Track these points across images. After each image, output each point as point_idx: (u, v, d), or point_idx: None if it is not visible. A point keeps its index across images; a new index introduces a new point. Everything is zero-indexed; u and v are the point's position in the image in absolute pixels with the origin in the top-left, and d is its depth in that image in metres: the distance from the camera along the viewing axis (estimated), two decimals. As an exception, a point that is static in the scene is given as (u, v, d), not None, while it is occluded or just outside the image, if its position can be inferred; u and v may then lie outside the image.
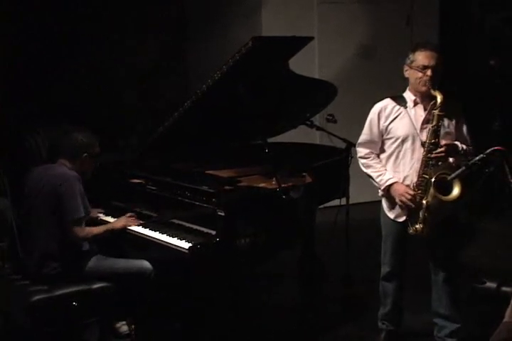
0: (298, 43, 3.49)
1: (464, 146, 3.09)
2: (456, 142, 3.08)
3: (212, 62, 4.99)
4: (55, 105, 5.36)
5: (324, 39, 5.87)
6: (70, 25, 5.61)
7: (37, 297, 2.99)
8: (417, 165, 3.05)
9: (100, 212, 3.54)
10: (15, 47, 5.28)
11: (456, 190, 2.95)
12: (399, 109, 3.11)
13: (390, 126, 3.11)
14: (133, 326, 3.37)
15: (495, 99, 5.88)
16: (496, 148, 2.70)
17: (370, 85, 5.92)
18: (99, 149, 3.32)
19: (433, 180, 2.94)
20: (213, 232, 2.99)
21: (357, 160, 3.28)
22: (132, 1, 6.10)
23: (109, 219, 3.48)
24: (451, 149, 3.02)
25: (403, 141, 3.08)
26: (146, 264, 3.25)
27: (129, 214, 3.36)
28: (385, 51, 6.04)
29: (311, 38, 3.51)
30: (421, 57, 3.02)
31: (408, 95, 3.13)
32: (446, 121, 3.06)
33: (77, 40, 5.63)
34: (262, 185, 3.39)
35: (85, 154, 3.26)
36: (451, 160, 3.06)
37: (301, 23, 5.78)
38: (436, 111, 2.96)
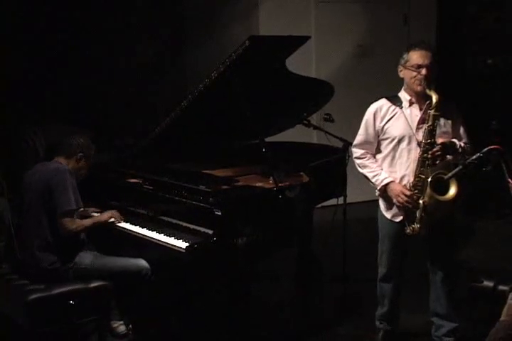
0: (295, 42, 3.49)
1: (462, 143, 3.09)
2: (454, 140, 3.09)
3: (211, 61, 4.99)
4: (53, 105, 5.37)
5: (321, 38, 5.88)
6: (70, 25, 5.62)
7: (34, 296, 3.00)
8: (413, 165, 3.05)
9: (95, 211, 3.56)
10: (14, 47, 5.29)
11: (452, 190, 2.95)
12: (394, 109, 3.11)
13: (385, 127, 3.11)
14: (130, 326, 3.39)
15: (492, 98, 5.89)
16: (492, 147, 2.70)
17: (367, 84, 5.92)
18: (93, 153, 3.40)
19: (430, 179, 2.94)
20: (210, 232, 2.99)
21: (353, 160, 3.28)
22: (131, 0, 6.11)
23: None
24: (448, 147, 3.02)
25: (399, 141, 3.08)
26: (143, 263, 3.26)
27: (114, 211, 3.42)
28: (382, 50, 6.04)
29: (307, 37, 3.52)
30: (415, 57, 3.03)
31: (403, 95, 3.14)
32: (442, 121, 3.06)
33: (77, 39, 5.63)
34: (258, 184, 3.39)
35: (81, 153, 3.34)
36: (449, 157, 3.06)
37: (298, 23, 5.78)
38: (431, 111, 2.96)
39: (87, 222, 3.33)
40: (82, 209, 3.37)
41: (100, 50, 5.75)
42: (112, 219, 3.38)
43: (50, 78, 5.44)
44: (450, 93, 3.16)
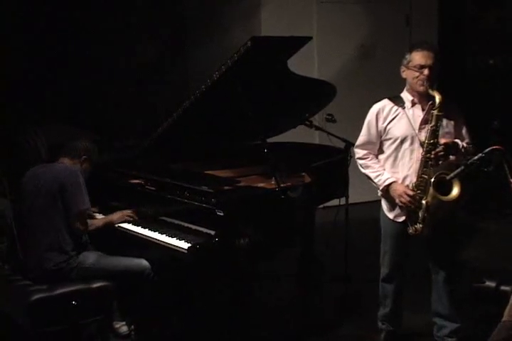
0: (296, 43, 3.49)
1: (465, 144, 3.10)
2: (456, 140, 3.09)
3: (212, 61, 5.00)
4: (53, 105, 5.37)
5: (323, 39, 5.87)
6: (70, 25, 5.61)
7: (36, 296, 3.00)
8: (416, 166, 3.05)
9: (95, 212, 3.56)
10: (14, 47, 5.28)
11: (455, 190, 2.95)
12: (397, 109, 3.11)
13: (388, 127, 3.11)
14: (132, 326, 3.38)
15: (494, 98, 5.89)
16: (495, 147, 2.70)
17: (369, 85, 5.92)
18: (96, 157, 3.44)
19: (432, 180, 2.94)
20: (212, 232, 2.99)
21: (356, 160, 3.28)
22: (131, 0, 6.11)
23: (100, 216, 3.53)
24: (451, 147, 3.02)
25: (402, 142, 3.08)
26: (144, 263, 3.27)
27: (128, 211, 3.43)
28: (384, 51, 6.04)
29: (309, 38, 3.51)
30: (418, 57, 3.03)
31: (406, 96, 3.14)
32: (444, 121, 3.06)
33: (77, 39, 5.63)
34: (260, 185, 3.39)
35: (85, 156, 3.37)
36: (452, 158, 3.05)
37: (300, 23, 5.78)
38: (435, 112, 2.96)
39: (99, 221, 3.37)
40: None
41: (100, 50, 5.75)
42: (126, 218, 3.40)
43: (50, 78, 5.44)
44: (451, 93, 3.16)
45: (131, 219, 3.40)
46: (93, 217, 3.47)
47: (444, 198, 2.96)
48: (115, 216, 3.40)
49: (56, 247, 3.19)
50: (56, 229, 3.21)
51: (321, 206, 3.78)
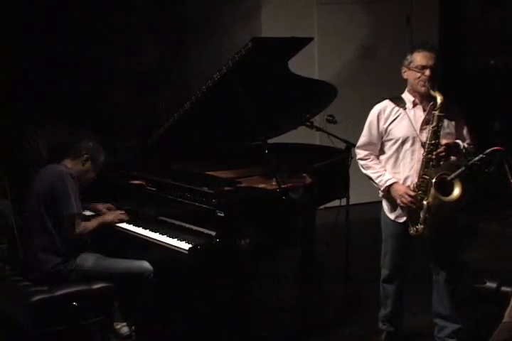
0: (297, 44, 3.49)
1: (465, 145, 3.10)
2: (457, 140, 3.09)
3: (212, 62, 4.99)
4: (53, 105, 5.36)
5: (324, 40, 5.87)
6: (70, 25, 5.60)
7: (37, 297, 3.01)
8: (417, 166, 3.05)
9: (110, 207, 3.55)
10: (14, 47, 5.27)
11: (457, 191, 2.95)
12: (398, 110, 3.12)
13: (389, 128, 3.12)
14: (133, 327, 3.38)
15: (495, 99, 5.89)
16: (495, 148, 2.71)
17: (370, 86, 5.93)
18: (102, 159, 3.42)
19: (434, 180, 2.94)
20: (213, 233, 2.99)
21: (357, 161, 3.27)
22: (131, 0, 6.10)
23: None
24: (452, 148, 3.02)
25: (403, 143, 3.09)
26: (146, 265, 3.27)
27: (119, 211, 3.44)
28: (384, 51, 6.04)
29: (310, 39, 3.51)
30: (419, 58, 3.03)
31: (407, 96, 3.14)
32: (445, 122, 3.06)
33: (77, 39, 5.62)
34: (261, 185, 3.39)
35: (86, 155, 3.35)
36: (453, 158, 3.06)
37: (301, 24, 5.78)
38: (436, 112, 2.97)
39: (92, 223, 3.34)
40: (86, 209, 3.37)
41: (100, 50, 5.74)
42: (120, 218, 3.39)
43: (50, 78, 5.43)
44: (451, 93, 3.16)
45: (126, 218, 3.39)
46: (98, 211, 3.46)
47: (446, 199, 2.96)
48: (108, 217, 3.39)
49: (51, 249, 3.20)
50: (49, 231, 3.21)
51: (322, 207, 3.77)
